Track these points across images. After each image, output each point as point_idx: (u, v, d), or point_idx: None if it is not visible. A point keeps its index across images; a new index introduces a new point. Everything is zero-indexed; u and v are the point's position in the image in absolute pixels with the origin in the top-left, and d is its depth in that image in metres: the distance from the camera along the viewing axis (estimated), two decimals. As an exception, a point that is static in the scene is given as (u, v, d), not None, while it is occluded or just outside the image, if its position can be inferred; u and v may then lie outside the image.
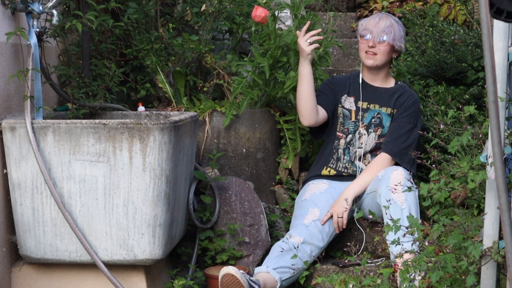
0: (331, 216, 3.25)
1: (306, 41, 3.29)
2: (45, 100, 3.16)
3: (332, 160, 3.47)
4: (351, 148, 3.45)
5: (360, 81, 3.48)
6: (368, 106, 3.46)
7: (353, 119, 3.46)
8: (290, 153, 3.69)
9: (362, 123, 3.44)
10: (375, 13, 3.50)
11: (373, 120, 3.44)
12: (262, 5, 3.96)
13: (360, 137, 3.43)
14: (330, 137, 3.50)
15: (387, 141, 3.38)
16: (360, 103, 3.46)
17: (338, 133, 3.48)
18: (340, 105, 3.48)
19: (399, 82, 3.52)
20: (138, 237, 2.79)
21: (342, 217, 3.23)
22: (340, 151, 3.46)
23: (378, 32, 3.36)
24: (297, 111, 3.41)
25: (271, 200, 3.75)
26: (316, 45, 3.31)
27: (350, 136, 3.45)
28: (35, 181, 2.78)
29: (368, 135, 3.44)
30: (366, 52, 3.39)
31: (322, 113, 3.42)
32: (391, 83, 3.50)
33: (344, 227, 3.24)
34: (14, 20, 2.93)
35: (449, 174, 2.50)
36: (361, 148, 3.43)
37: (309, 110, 3.36)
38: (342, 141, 3.46)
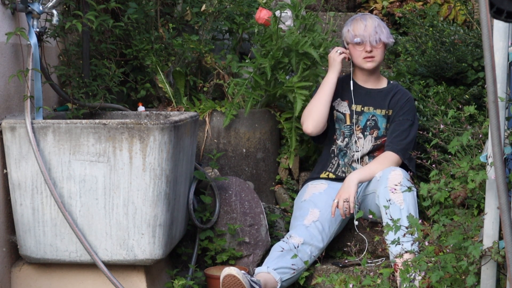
0: (337, 206, 3.21)
1: (336, 52, 3.40)
2: (45, 100, 3.16)
3: (331, 164, 3.47)
4: (348, 151, 3.44)
5: (352, 84, 3.47)
6: (362, 109, 3.45)
7: (348, 122, 3.45)
8: (291, 152, 3.69)
9: (358, 127, 3.44)
10: (356, 16, 3.46)
11: (368, 122, 3.44)
12: (262, 5, 3.96)
13: (356, 140, 3.43)
14: (328, 141, 3.49)
15: (390, 141, 3.37)
16: (354, 106, 3.45)
17: (335, 137, 3.47)
18: (334, 110, 3.48)
19: (391, 82, 3.52)
20: (138, 237, 2.79)
21: (348, 201, 3.17)
22: (338, 155, 3.46)
23: (372, 35, 3.35)
24: (305, 117, 3.39)
25: (271, 200, 3.75)
26: (345, 54, 3.41)
27: (346, 140, 3.45)
28: (35, 181, 2.77)
29: (364, 138, 3.43)
30: (364, 58, 3.39)
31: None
32: (383, 83, 3.49)
33: (351, 211, 3.16)
34: (14, 20, 2.93)
35: (449, 174, 2.49)
36: (359, 151, 3.42)
37: (319, 119, 3.36)
38: (339, 145, 3.46)
